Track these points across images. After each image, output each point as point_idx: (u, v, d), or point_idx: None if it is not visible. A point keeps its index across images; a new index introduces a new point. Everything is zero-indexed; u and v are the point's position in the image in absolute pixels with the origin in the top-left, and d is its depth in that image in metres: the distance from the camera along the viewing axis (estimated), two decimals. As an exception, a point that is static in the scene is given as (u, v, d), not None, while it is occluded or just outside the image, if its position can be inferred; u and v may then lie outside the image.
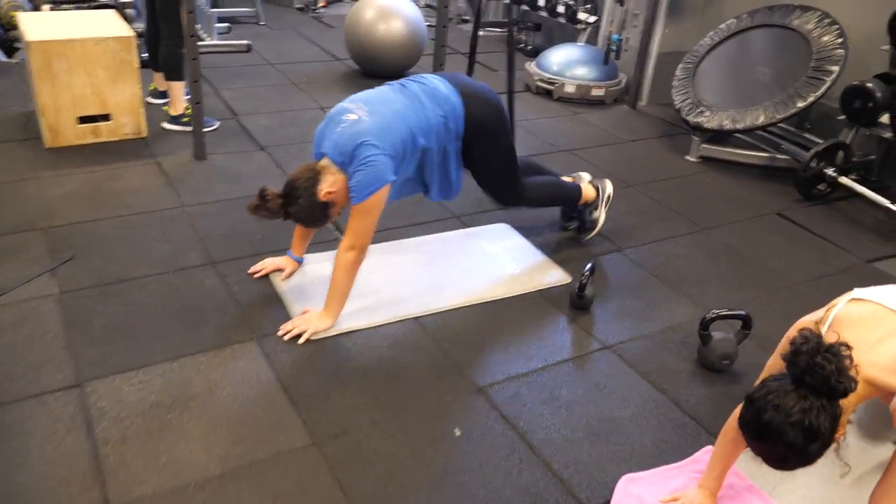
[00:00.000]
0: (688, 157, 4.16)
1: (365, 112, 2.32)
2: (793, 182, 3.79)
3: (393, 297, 2.62)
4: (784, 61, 3.94)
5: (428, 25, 5.04)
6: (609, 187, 3.07)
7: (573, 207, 3.11)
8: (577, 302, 2.67)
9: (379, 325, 2.48)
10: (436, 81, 2.51)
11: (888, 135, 3.58)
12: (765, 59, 4.05)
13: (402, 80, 2.53)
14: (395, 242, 2.96)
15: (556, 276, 2.87)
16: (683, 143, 4.29)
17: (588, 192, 3.04)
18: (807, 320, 1.69)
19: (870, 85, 3.49)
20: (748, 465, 1.92)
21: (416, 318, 2.54)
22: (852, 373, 1.40)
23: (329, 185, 2.30)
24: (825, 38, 3.79)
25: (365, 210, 2.28)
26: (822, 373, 1.38)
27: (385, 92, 2.46)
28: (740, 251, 3.22)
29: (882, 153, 3.88)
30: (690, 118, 4.08)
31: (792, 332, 1.68)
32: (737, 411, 1.71)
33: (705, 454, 2.04)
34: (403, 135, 2.34)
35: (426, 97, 2.44)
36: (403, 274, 2.77)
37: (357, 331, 2.44)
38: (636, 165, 4.02)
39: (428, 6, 6.65)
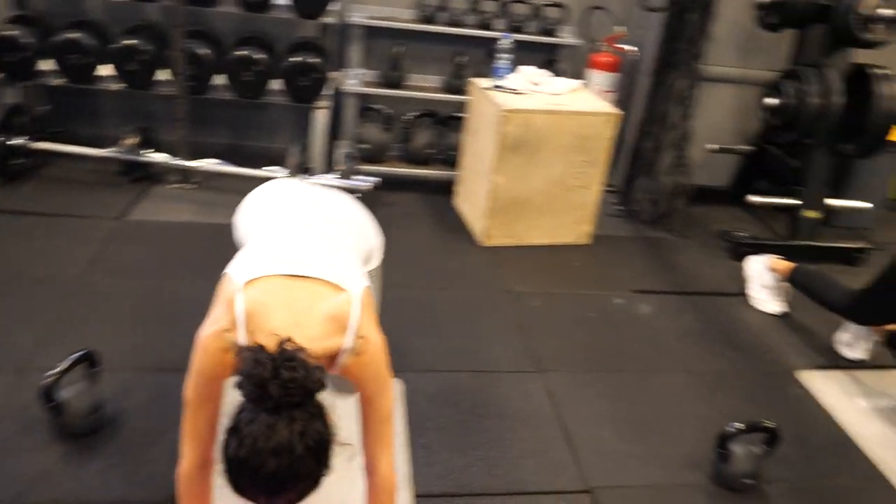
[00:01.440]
0: None
1: None
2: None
3: None
4: None
5: None
6: None
7: None
8: None
9: None
10: None
11: (57, 82, 3.15)
12: None
13: None
14: None
15: None
16: None
17: None
18: (214, 332, 1.28)
19: (18, 33, 2.93)
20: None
21: None
22: (312, 363, 1.18)
23: None
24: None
25: None
26: (295, 386, 1.14)
27: None
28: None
29: (55, 101, 3.46)
30: None
31: (210, 347, 1.26)
32: (183, 461, 1.36)
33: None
34: None
35: None
36: None
37: None
38: None
39: None
